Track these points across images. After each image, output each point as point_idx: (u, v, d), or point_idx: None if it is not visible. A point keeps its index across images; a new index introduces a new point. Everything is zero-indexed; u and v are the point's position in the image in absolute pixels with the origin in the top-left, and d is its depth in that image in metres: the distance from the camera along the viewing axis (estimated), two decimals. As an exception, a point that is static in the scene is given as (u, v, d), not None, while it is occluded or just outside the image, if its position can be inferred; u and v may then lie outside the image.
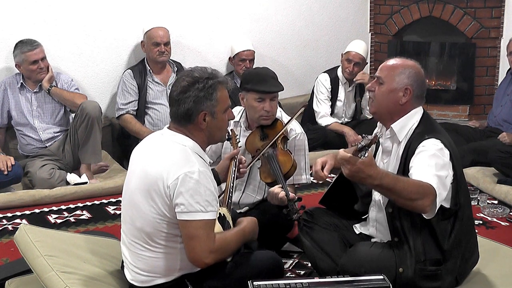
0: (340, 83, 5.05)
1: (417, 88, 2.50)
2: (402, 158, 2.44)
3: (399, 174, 2.39)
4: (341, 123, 5.05)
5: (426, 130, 2.43)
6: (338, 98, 5.07)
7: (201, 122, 2.27)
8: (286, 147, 3.13)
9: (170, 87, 4.62)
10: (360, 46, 5.01)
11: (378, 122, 2.68)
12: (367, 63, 5.17)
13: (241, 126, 3.26)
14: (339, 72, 5.06)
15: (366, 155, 2.12)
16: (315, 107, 5.07)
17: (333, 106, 5.07)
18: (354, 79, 4.97)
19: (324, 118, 5.02)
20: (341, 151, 2.20)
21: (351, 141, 4.76)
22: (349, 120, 5.15)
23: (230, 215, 2.52)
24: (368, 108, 4.57)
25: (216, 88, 2.28)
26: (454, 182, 2.37)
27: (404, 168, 2.41)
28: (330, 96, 5.04)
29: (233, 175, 2.71)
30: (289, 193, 2.79)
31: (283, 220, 2.83)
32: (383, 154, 2.59)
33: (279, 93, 3.21)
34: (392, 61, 2.56)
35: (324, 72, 5.15)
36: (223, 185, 2.76)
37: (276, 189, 2.82)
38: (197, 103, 2.25)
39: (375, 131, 2.75)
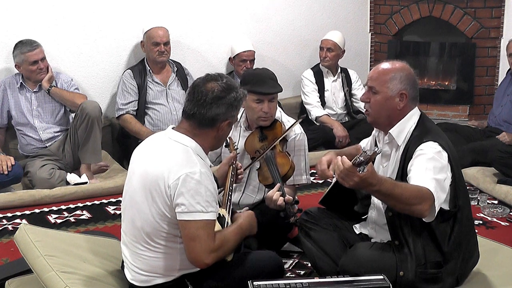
0: (323, 74, 5.22)
1: (411, 90, 2.47)
2: (400, 161, 2.44)
3: (397, 178, 2.39)
4: (336, 115, 5.14)
5: (423, 133, 2.42)
6: (325, 89, 5.20)
7: (222, 128, 2.31)
8: (285, 149, 3.12)
9: (170, 87, 4.71)
10: (332, 34, 5.25)
11: (373, 131, 2.68)
12: (344, 50, 5.25)
13: (241, 127, 3.26)
14: (321, 64, 5.23)
15: (365, 170, 2.10)
16: (304, 100, 5.20)
17: (322, 98, 5.16)
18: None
19: (315, 108, 5.09)
20: (342, 157, 2.16)
21: (338, 136, 4.88)
22: (343, 112, 5.22)
23: (230, 216, 2.51)
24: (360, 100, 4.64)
25: (243, 100, 2.36)
26: (452, 184, 2.37)
27: (402, 171, 2.40)
28: (317, 88, 5.17)
29: (231, 179, 2.72)
30: (286, 195, 2.79)
31: (283, 220, 2.83)
32: (382, 158, 2.59)
33: (279, 93, 3.21)
34: (380, 68, 2.51)
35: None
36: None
37: (275, 195, 2.81)
38: (227, 110, 2.29)
39: (371, 137, 2.74)
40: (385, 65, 2.51)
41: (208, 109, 2.27)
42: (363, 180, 2.12)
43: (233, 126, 3.12)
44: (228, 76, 2.39)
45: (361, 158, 2.08)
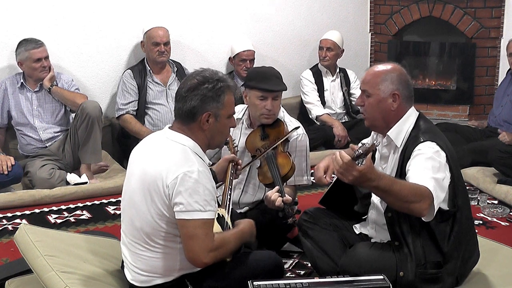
0: (322, 74, 5.25)
1: (404, 90, 2.47)
2: (399, 162, 2.44)
3: (396, 178, 2.39)
4: (335, 114, 5.17)
5: (421, 133, 2.42)
6: (324, 89, 5.23)
7: (203, 122, 2.27)
8: (286, 149, 3.12)
9: (170, 87, 4.71)
10: (331, 33, 5.30)
11: (372, 131, 2.68)
12: (343, 49, 5.30)
13: (243, 124, 3.25)
14: (320, 64, 5.27)
15: (363, 163, 2.10)
16: (304, 100, 5.24)
17: (322, 97, 5.19)
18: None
19: (315, 107, 5.13)
20: (340, 152, 2.16)
21: (338, 135, 4.90)
22: (342, 111, 5.25)
23: (229, 216, 2.51)
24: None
25: (225, 92, 2.29)
26: (451, 183, 2.37)
27: (401, 171, 2.40)
28: (316, 88, 5.21)
29: (231, 178, 2.71)
30: (285, 195, 2.78)
31: (281, 221, 2.82)
32: (381, 160, 2.59)
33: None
34: (371, 71, 2.52)
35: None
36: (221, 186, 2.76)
37: (273, 195, 2.81)
38: (203, 102, 2.25)
39: (370, 138, 2.74)
40: (376, 67, 2.53)
41: (183, 102, 2.26)
42: (362, 175, 2.12)
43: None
44: (210, 70, 2.34)
45: (360, 151, 2.09)
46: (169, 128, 2.35)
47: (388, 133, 2.49)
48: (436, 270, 2.39)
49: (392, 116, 2.48)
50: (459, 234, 2.42)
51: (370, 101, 2.48)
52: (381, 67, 2.51)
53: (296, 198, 3.28)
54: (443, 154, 2.35)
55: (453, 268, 2.43)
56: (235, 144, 3.03)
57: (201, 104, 2.25)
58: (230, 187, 2.66)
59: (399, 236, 2.40)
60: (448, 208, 2.39)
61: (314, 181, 4.13)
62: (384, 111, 2.47)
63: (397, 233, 2.41)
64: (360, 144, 2.40)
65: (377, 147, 2.58)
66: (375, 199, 2.59)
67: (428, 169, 2.28)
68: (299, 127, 3.17)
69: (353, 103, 5.24)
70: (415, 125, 2.47)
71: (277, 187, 2.85)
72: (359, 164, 2.11)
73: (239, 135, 3.21)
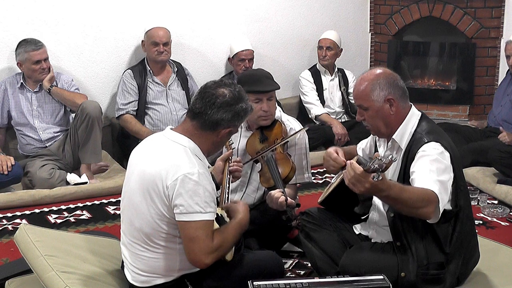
0: (321, 74, 5.28)
1: (396, 91, 2.46)
2: (402, 163, 2.43)
3: (399, 179, 2.38)
4: (334, 113, 5.19)
5: (425, 133, 2.41)
6: (323, 88, 5.26)
7: (223, 135, 2.31)
8: (285, 150, 3.11)
9: (170, 87, 4.70)
10: (329, 33, 5.32)
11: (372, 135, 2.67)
12: (342, 49, 5.30)
13: (241, 127, 3.25)
14: (318, 64, 5.30)
15: (380, 178, 2.06)
16: (303, 99, 5.27)
17: (321, 97, 5.22)
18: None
19: (314, 107, 5.15)
20: (352, 163, 2.14)
21: (337, 134, 4.91)
22: (341, 110, 5.26)
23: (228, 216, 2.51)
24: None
25: (249, 114, 2.38)
26: (453, 184, 2.36)
27: (404, 172, 2.40)
28: (315, 87, 5.24)
29: (228, 176, 2.71)
30: (288, 198, 2.77)
31: (285, 223, 2.81)
32: None
33: (278, 93, 3.20)
34: (358, 84, 2.50)
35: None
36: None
37: (276, 193, 2.80)
38: (233, 118, 2.30)
39: (370, 139, 2.73)
40: (361, 79, 2.50)
41: (215, 111, 2.27)
42: (374, 187, 2.11)
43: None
44: (241, 87, 2.39)
45: (376, 166, 2.04)
46: (171, 129, 2.34)
47: (393, 137, 2.49)
48: (438, 271, 2.39)
49: (394, 120, 2.47)
50: (461, 234, 2.42)
51: (368, 114, 2.48)
52: (366, 77, 2.49)
53: (298, 199, 3.27)
54: (447, 155, 2.34)
55: (455, 268, 2.42)
56: (231, 142, 3.02)
57: (230, 120, 2.29)
58: (227, 186, 2.66)
59: (401, 237, 2.40)
60: (451, 208, 2.39)
61: (313, 180, 4.14)
62: (385, 118, 2.46)
63: (400, 233, 2.40)
64: (373, 157, 2.34)
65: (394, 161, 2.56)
66: (376, 200, 2.59)
67: (433, 171, 2.27)
68: (301, 129, 3.15)
69: (351, 102, 5.25)
70: (418, 126, 2.46)
71: (279, 190, 2.84)
72: (374, 178, 2.07)
73: (239, 137, 3.21)
